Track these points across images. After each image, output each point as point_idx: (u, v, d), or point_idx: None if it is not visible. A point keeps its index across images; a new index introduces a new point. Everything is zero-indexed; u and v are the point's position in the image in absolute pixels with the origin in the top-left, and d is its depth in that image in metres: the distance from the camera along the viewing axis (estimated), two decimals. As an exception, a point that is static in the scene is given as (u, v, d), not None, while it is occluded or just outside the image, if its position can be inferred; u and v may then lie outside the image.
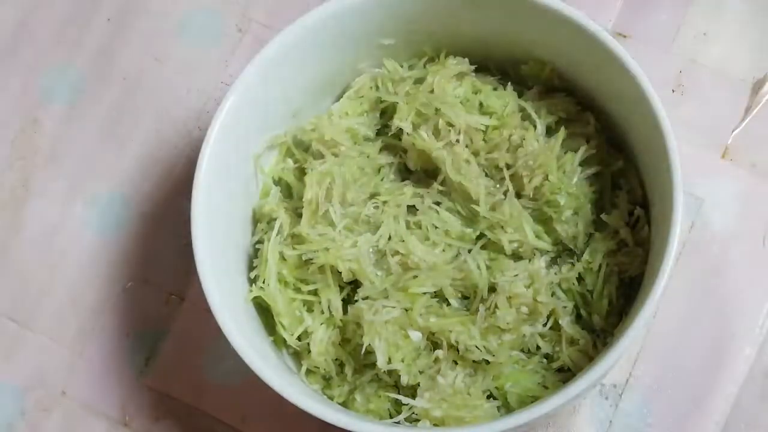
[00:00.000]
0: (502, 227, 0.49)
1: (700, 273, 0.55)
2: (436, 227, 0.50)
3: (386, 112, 0.53)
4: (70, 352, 0.58)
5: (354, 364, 0.50)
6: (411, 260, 0.49)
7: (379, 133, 0.53)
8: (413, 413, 0.48)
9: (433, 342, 0.49)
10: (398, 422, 0.48)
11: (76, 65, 0.62)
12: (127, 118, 0.61)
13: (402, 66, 0.53)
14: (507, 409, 0.49)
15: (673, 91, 0.57)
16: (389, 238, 0.50)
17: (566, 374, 0.49)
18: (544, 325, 0.49)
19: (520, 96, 0.52)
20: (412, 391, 0.49)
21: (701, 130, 0.57)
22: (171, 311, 0.57)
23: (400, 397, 0.48)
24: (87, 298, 0.58)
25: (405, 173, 0.53)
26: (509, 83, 0.52)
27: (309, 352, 0.50)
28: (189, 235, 0.47)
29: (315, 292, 0.50)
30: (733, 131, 0.57)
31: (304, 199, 0.50)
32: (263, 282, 0.50)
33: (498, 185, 0.50)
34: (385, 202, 0.50)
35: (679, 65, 0.58)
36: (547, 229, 0.50)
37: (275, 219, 0.51)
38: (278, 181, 0.53)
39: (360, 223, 0.50)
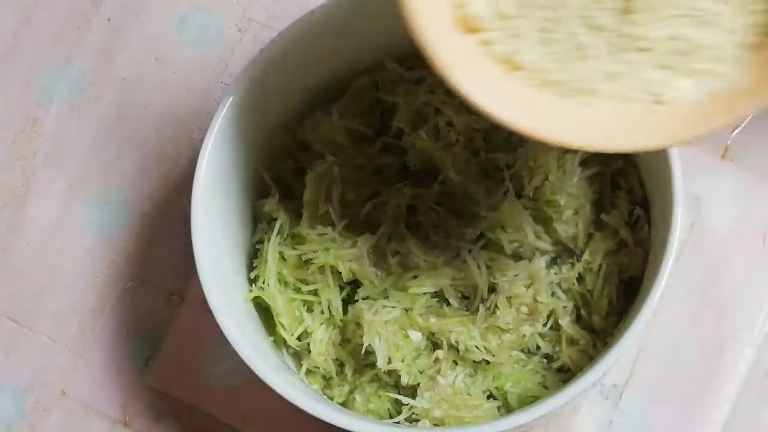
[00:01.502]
0: (502, 227, 0.49)
1: (700, 273, 0.55)
2: (436, 227, 0.50)
3: (386, 112, 0.53)
4: (70, 352, 0.58)
5: (354, 364, 0.50)
6: (411, 260, 0.49)
7: (379, 133, 0.53)
8: (413, 413, 0.48)
9: (433, 342, 0.49)
10: (398, 422, 0.48)
11: (76, 65, 0.62)
12: (127, 118, 0.61)
13: (402, 66, 0.53)
14: (507, 409, 0.49)
15: (673, 91, 0.57)
16: (389, 238, 0.50)
17: (566, 374, 0.49)
18: (544, 325, 0.49)
19: (520, 96, 0.52)
20: (412, 391, 0.49)
21: (701, 130, 0.56)
22: (171, 311, 0.57)
23: (400, 397, 0.48)
24: (87, 298, 0.58)
25: (405, 173, 0.53)
26: (509, 83, 0.52)
27: (309, 352, 0.50)
28: (189, 235, 0.47)
29: (315, 292, 0.50)
30: (733, 131, 0.57)
31: (304, 199, 0.51)
32: (263, 282, 0.50)
33: (498, 185, 0.50)
34: (385, 202, 0.50)
35: (679, 65, 0.58)
36: (547, 229, 0.50)
37: (275, 219, 0.51)
38: (278, 181, 0.53)
39: (360, 223, 0.50)
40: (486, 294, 0.49)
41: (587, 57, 0.38)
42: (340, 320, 0.50)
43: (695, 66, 0.38)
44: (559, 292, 0.49)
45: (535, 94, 0.39)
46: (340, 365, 0.51)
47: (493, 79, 0.39)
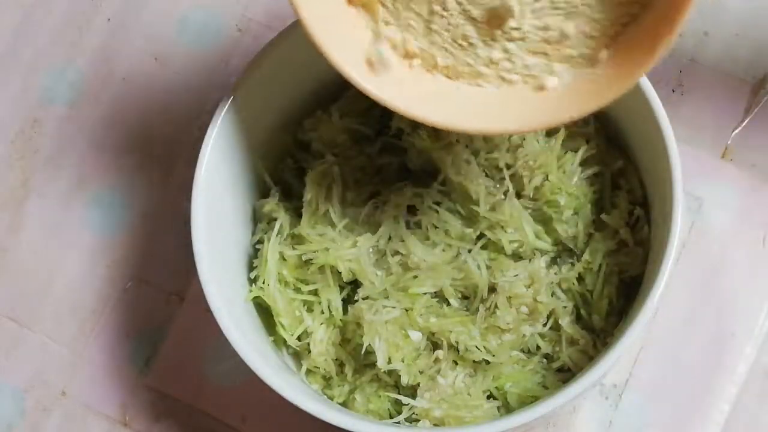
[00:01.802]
0: (502, 227, 0.49)
1: (700, 273, 0.55)
2: (436, 227, 0.50)
3: (386, 112, 0.53)
4: (70, 352, 0.58)
5: (354, 364, 0.50)
6: (411, 260, 0.49)
7: (379, 133, 0.53)
8: (413, 413, 0.48)
9: (433, 342, 0.49)
10: (398, 422, 0.48)
11: (76, 65, 0.62)
12: (127, 118, 0.61)
13: (402, 66, 0.53)
14: (507, 409, 0.49)
15: (673, 91, 0.57)
16: (389, 238, 0.50)
17: (566, 374, 0.49)
18: (544, 325, 0.49)
19: (519, 96, 0.52)
20: (412, 391, 0.49)
21: (701, 130, 0.57)
22: (171, 311, 0.57)
23: (401, 397, 0.48)
24: (87, 298, 0.58)
25: (405, 173, 0.53)
26: (509, 83, 0.52)
27: (309, 352, 0.50)
28: (189, 235, 0.47)
29: (315, 292, 0.50)
30: (733, 131, 0.57)
31: (304, 199, 0.51)
32: (263, 282, 0.50)
33: (498, 185, 0.50)
34: (385, 202, 0.50)
35: (679, 65, 0.58)
36: (547, 229, 0.50)
37: (275, 219, 0.51)
38: (278, 181, 0.53)
39: (360, 223, 0.50)
40: (486, 294, 0.49)
41: (470, 45, 0.42)
42: (340, 320, 0.50)
43: (566, 52, 0.42)
44: (559, 292, 0.49)
45: (428, 78, 0.44)
46: (340, 365, 0.51)
47: (388, 65, 0.43)
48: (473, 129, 0.43)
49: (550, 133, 0.50)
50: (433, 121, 0.42)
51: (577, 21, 0.41)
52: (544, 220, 0.50)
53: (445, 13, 0.42)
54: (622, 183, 0.51)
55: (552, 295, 0.49)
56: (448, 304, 0.50)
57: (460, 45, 0.43)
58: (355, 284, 0.50)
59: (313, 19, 0.42)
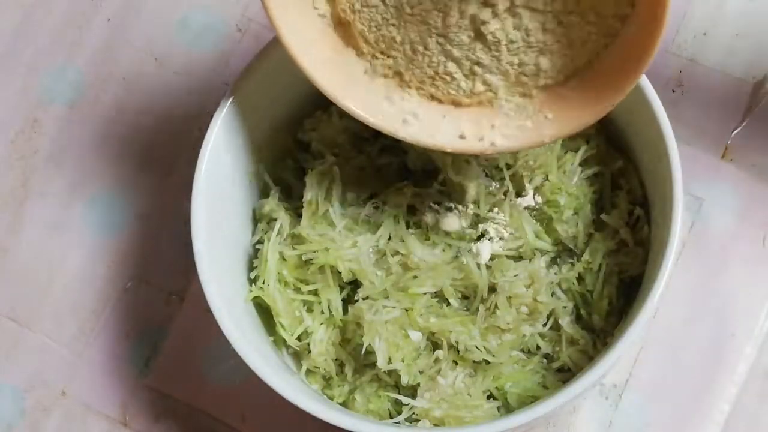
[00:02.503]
0: (503, 227, 0.49)
1: (700, 273, 0.55)
2: (437, 227, 0.50)
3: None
4: (70, 352, 0.58)
5: (354, 364, 0.50)
6: (411, 260, 0.49)
7: (378, 134, 0.53)
8: (413, 413, 0.48)
9: (433, 342, 0.49)
10: (398, 422, 0.48)
11: (76, 65, 0.62)
12: (127, 118, 0.61)
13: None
14: (507, 409, 0.49)
15: (673, 91, 0.57)
16: (389, 238, 0.50)
17: (566, 374, 0.49)
18: (544, 325, 0.49)
19: (520, 96, 0.52)
20: (412, 391, 0.49)
21: (701, 130, 0.57)
22: (171, 311, 0.57)
23: (401, 397, 0.48)
24: (87, 298, 0.58)
25: (405, 173, 0.53)
26: (509, 83, 0.52)
27: (309, 352, 0.50)
28: (189, 235, 0.47)
29: (315, 292, 0.50)
30: (733, 131, 0.57)
31: (304, 199, 0.51)
32: (263, 282, 0.50)
33: (498, 185, 0.50)
34: (385, 202, 0.50)
35: (679, 65, 0.58)
36: (547, 229, 0.50)
37: (275, 219, 0.51)
38: (278, 181, 0.53)
39: (360, 223, 0.50)
40: (486, 294, 0.49)
41: (452, 79, 0.45)
42: (340, 320, 0.50)
43: (542, 82, 0.44)
44: (559, 292, 0.49)
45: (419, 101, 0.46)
46: (340, 365, 0.51)
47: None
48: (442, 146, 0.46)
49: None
50: (415, 141, 0.46)
51: (550, 56, 0.43)
52: (544, 220, 0.50)
53: (426, 52, 0.44)
54: (622, 183, 0.51)
55: (552, 295, 0.49)
56: (448, 304, 0.50)
57: (442, 78, 0.45)
58: (355, 284, 0.50)
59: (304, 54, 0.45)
